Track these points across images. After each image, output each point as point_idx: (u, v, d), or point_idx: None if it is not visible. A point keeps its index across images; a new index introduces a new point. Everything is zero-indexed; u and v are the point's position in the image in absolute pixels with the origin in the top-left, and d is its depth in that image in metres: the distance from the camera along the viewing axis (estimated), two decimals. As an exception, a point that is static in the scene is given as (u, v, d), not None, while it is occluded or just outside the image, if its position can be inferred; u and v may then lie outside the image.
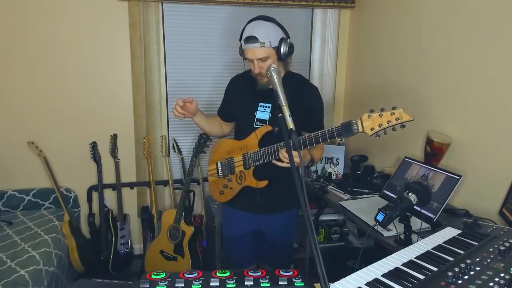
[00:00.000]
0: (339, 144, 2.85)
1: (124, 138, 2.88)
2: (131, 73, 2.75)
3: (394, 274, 0.99)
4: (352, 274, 0.99)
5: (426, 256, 1.08)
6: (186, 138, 3.01)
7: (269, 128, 1.71)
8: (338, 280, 0.96)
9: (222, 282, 0.90)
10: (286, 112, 1.21)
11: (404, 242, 1.62)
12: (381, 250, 1.66)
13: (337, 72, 3.14)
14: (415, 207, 1.53)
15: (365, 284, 0.95)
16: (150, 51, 2.72)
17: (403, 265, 1.03)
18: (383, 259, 1.08)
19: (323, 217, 2.85)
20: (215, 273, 0.93)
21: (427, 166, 2.04)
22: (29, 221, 2.51)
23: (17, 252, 2.11)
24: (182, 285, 0.89)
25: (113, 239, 2.78)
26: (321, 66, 3.06)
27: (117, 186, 2.85)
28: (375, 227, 1.65)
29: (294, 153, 1.15)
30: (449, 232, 1.26)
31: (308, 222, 0.89)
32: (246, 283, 0.90)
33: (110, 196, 2.95)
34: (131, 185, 2.96)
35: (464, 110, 1.98)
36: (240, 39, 1.67)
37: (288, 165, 1.55)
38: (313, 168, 2.81)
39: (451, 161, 2.05)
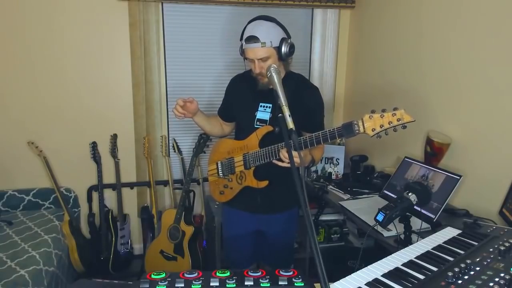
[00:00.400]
0: (339, 144, 2.85)
1: (124, 138, 2.88)
2: (131, 73, 2.75)
3: (394, 274, 0.99)
4: (352, 274, 0.99)
5: (426, 256, 1.08)
6: (186, 138, 3.01)
7: (270, 128, 1.71)
8: (338, 280, 0.96)
9: (222, 282, 0.90)
10: (286, 112, 1.21)
11: (404, 242, 1.62)
12: (381, 250, 1.66)
13: (337, 72, 3.14)
14: (415, 207, 1.52)
15: (365, 284, 0.95)
16: (150, 51, 2.72)
17: (403, 265, 1.03)
18: (383, 259, 1.08)
19: (323, 217, 2.85)
20: (215, 273, 0.93)
21: (427, 166, 2.04)
22: (29, 221, 2.51)
23: (17, 252, 2.11)
24: (182, 285, 0.89)
25: (113, 239, 2.78)
26: (321, 66, 3.06)
27: (117, 186, 2.85)
28: (375, 227, 1.65)
29: (294, 153, 1.15)
30: (449, 232, 1.26)
31: (308, 222, 0.89)
32: (246, 283, 0.90)
33: (110, 196, 2.95)
34: (131, 185, 2.97)
35: (464, 110, 1.98)
36: (241, 39, 1.67)
37: (289, 165, 1.55)
38: (313, 168, 2.81)
39: (451, 161, 2.05)
